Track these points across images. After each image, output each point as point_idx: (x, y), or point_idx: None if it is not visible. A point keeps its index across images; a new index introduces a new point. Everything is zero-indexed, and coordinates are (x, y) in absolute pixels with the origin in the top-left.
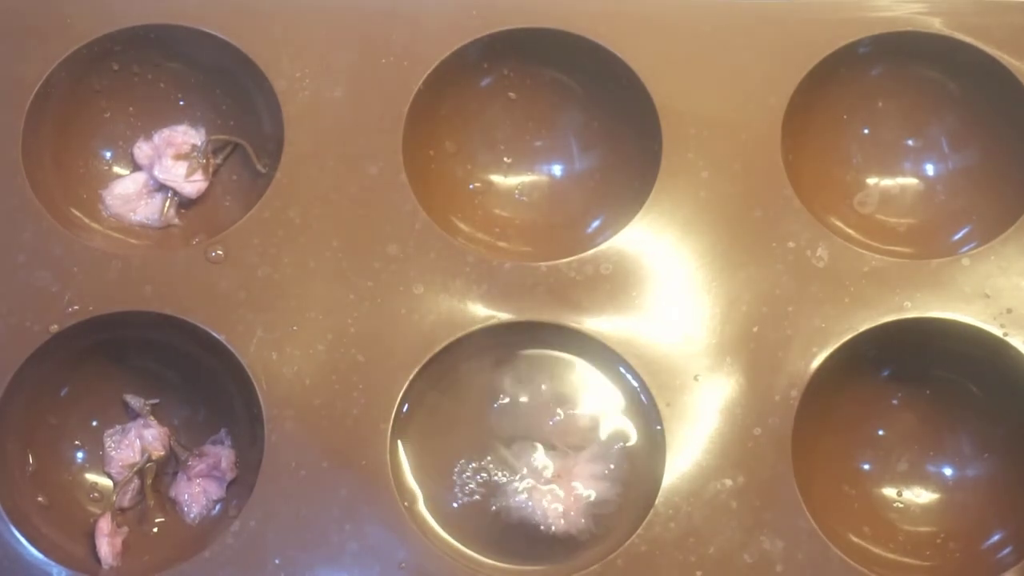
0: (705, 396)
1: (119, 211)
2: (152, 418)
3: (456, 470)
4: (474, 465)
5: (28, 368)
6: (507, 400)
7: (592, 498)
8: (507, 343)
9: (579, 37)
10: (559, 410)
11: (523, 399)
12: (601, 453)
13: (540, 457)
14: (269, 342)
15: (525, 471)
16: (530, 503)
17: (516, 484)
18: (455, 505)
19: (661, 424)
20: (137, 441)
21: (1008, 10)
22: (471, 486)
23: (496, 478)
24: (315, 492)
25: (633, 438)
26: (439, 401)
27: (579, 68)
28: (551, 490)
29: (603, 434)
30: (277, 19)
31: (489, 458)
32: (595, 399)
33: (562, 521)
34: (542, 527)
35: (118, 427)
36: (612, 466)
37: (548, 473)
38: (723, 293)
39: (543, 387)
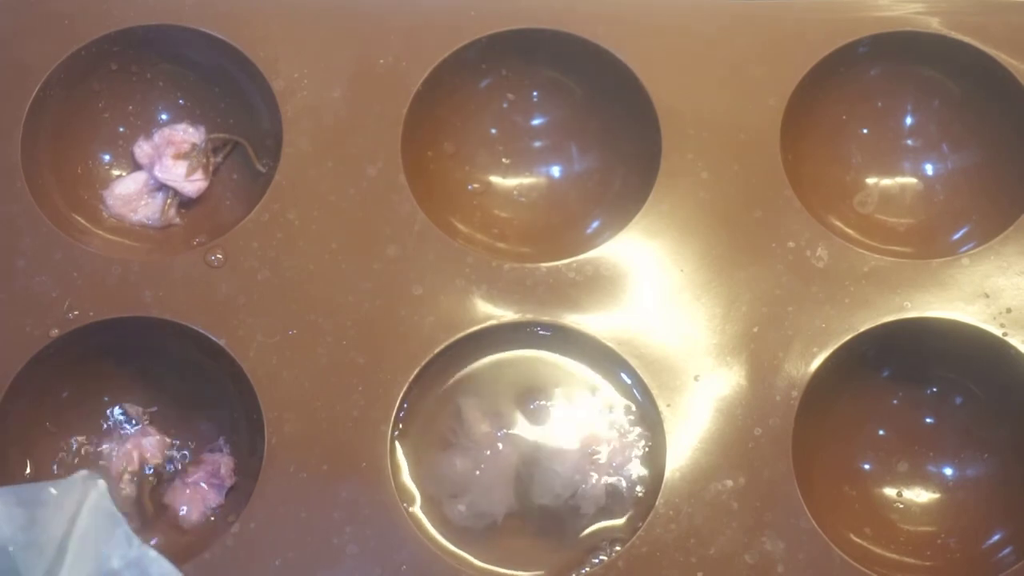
0: (705, 396)
1: (120, 211)
2: (152, 426)
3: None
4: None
5: (27, 373)
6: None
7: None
8: (507, 344)
9: (578, 38)
10: (558, 411)
11: (527, 401)
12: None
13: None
14: (269, 346)
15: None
16: (605, 477)
17: (585, 488)
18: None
19: (661, 425)
20: (135, 452)
21: (1008, 10)
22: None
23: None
24: (315, 494)
25: (638, 453)
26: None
27: (578, 69)
28: (595, 458)
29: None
30: (275, 20)
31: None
32: (595, 400)
33: (626, 451)
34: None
35: (116, 436)
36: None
37: (574, 455)
38: (723, 293)
39: (542, 388)
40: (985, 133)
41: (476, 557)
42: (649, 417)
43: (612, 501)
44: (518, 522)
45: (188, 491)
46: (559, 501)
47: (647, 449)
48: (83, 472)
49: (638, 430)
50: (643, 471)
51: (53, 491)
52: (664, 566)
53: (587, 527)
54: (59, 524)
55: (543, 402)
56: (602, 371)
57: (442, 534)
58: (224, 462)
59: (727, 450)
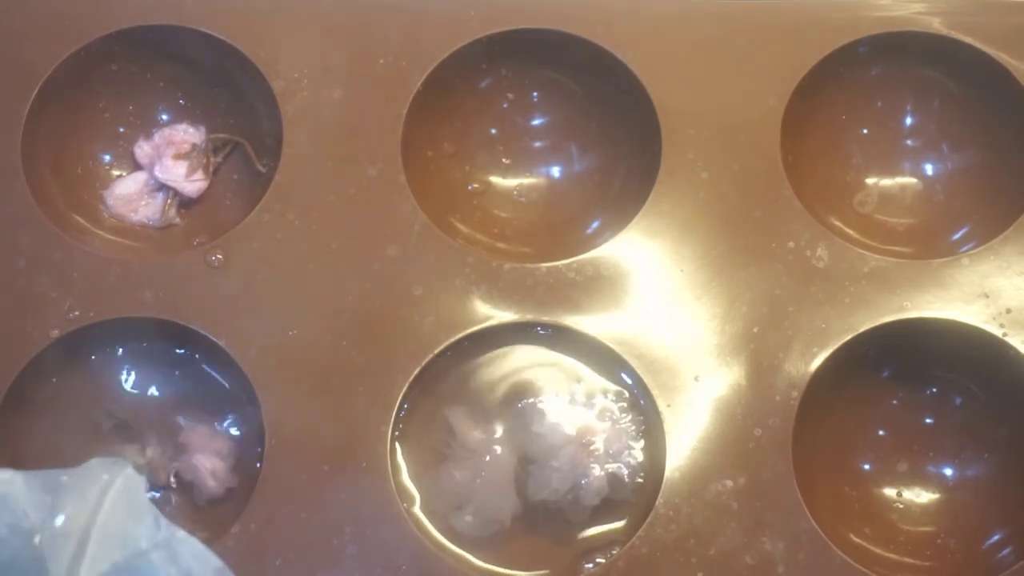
0: (705, 397)
1: (120, 211)
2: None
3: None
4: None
5: (27, 373)
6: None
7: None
8: (506, 344)
9: (578, 38)
10: (553, 408)
11: (521, 400)
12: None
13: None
14: (269, 346)
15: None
16: (605, 466)
17: (588, 481)
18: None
19: (661, 425)
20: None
21: (1008, 10)
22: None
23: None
24: (315, 495)
25: (633, 439)
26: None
27: (578, 69)
28: (592, 449)
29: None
30: (275, 19)
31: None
32: (589, 394)
33: (618, 443)
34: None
35: (117, 435)
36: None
37: (570, 448)
38: (723, 293)
39: (540, 387)
40: (985, 133)
41: (479, 558)
42: (649, 417)
43: (614, 490)
44: (524, 523)
45: (195, 458)
46: (559, 495)
47: (642, 434)
48: (110, 458)
49: (630, 415)
50: (641, 456)
51: (77, 476)
52: (664, 566)
53: (590, 522)
54: (85, 509)
55: (539, 401)
56: (602, 371)
57: (452, 544)
58: (220, 447)
59: (727, 450)
